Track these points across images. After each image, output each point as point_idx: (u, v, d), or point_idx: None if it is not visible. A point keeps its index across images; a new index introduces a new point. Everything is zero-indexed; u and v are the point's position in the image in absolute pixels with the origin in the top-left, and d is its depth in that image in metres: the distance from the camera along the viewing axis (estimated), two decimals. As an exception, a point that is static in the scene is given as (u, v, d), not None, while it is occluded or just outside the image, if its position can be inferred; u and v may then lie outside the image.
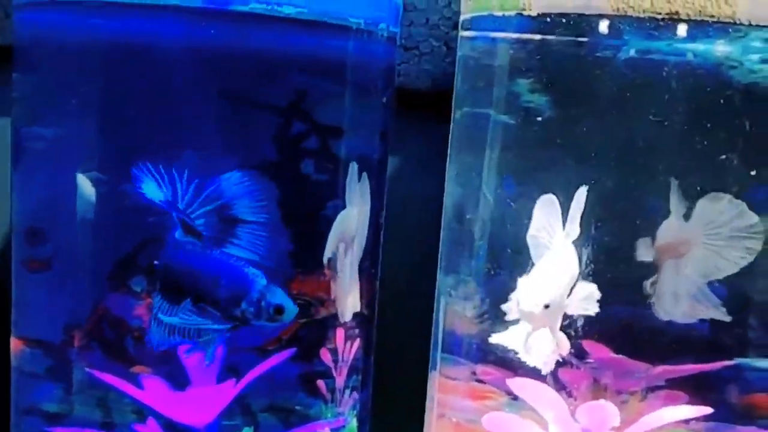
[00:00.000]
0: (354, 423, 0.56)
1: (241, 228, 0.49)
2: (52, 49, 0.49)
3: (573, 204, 0.51)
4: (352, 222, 0.53)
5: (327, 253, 0.52)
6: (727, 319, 0.51)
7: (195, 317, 0.48)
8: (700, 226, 0.51)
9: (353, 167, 0.52)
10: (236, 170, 0.48)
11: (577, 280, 0.51)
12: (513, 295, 0.52)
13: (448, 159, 0.57)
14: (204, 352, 0.49)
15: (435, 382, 0.58)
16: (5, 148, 0.52)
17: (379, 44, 0.53)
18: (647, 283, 0.51)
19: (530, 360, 0.52)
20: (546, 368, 0.52)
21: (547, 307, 0.50)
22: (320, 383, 0.53)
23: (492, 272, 0.54)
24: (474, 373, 0.55)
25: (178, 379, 0.49)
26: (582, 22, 0.50)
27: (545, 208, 0.51)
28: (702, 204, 0.50)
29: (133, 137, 0.49)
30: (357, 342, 0.55)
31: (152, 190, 0.47)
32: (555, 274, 0.51)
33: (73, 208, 0.49)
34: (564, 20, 0.51)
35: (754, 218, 0.50)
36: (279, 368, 0.51)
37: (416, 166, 0.72)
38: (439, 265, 0.58)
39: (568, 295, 0.51)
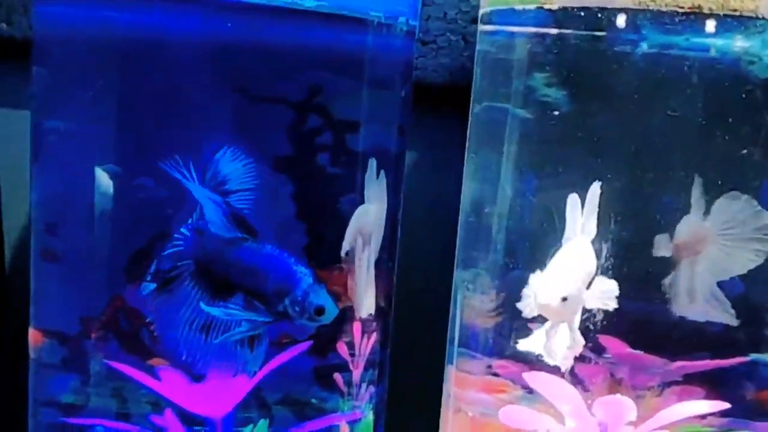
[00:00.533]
0: (370, 416, 0.56)
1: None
2: (71, 42, 0.49)
3: (587, 199, 0.51)
4: (370, 217, 0.53)
5: (345, 247, 0.52)
6: (735, 323, 0.51)
7: (238, 309, 0.49)
8: (716, 225, 0.51)
9: (372, 163, 0.52)
10: (251, 164, 0.48)
11: (595, 275, 0.51)
12: (526, 291, 0.52)
13: (466, 154, 0.57)
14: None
15: (451, 377, 0.58)
16: (25, 140, 0.52)
17: (398, 38, 0.53)
18: (665, 281, 0.51)
19: (550, 360, 0.52)
20: (564, 365, 0.52)
21: (564, 300, 0.50)
22: (337, 377, 0.53)
23: (509, 267, 0.54)
24: (490, 367, 0.55)
25: (195, 372, 0.50)
26: (602, 16, 0.50)
27: (570, 207, 0.51)
28: (720, 203, 0.50)
29: (151, 131, 0.49)
30: (374, 336, 0.55)
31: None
32: (572, 268, 0.51)
33: (90, 200, 0.49)
34: (584, 14, 0.51)
35: None
36: (295, 361, 0.51)
37: (432, 160, 0.73)
38: (456, 260, 0.58)
39: (587, 290, 0.51)
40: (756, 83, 0.49)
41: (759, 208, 0.50)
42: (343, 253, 0.52)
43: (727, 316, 0.51)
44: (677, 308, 0.51)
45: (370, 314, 0.54)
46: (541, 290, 0.51)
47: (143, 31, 0.48)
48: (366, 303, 0.54)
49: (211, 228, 0.49)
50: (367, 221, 0.53)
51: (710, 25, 0.49)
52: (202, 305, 0.49)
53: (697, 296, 0.51)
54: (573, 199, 0.51)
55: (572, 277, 0.51)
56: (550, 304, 0.50)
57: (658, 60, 0.50)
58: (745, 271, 0.51)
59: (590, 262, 0.51)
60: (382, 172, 0.53)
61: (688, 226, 0.51)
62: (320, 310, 0.49)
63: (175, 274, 0.49)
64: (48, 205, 0.52)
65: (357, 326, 0.53)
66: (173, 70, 0.48)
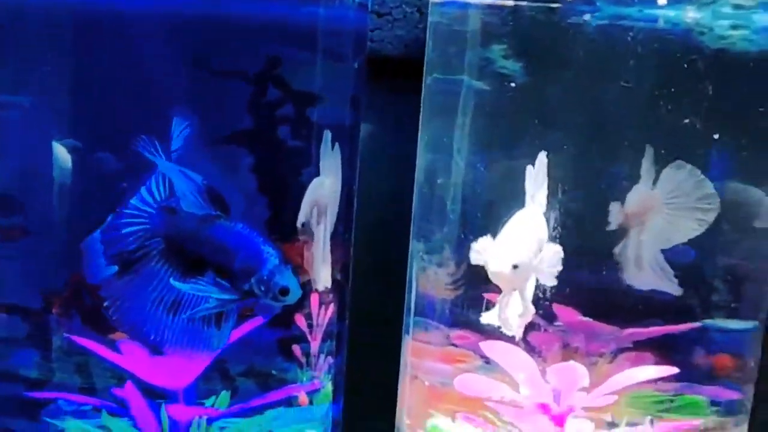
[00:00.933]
0: (329, 387, 0.56)
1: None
2: (23, 16, 0.49)
3: (535, 169, 0.51)
4: (325, 189, 0.53)
5: (300, 219, 0.52)
6: (678, 291, 0.52)
7: (206, 285, 0.49)
8: (663, 195, 0.51)
9: (327, 135, 0.52)
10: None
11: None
12: (475, 246, 0.52)
13: (420, 125, 0.57)
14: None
15: (408, 347, 0.58)
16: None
17: (351, 9, 0.53)
18: (616, 249, 0.52)
19: (505, 329, 0.52)
20: (517, 333, 0.52)
21: (515, 267, 0.50)
22: (295, 348, 0.53)
23: (463, 237, 0.54)
24: (448, 337, 0.56)
25: (155, 345, 0.50)
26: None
27: (527, 177, 0.52)
28: (666, 172, 0.51)
29: (104, 106, 0.49)
30: (331, 307, 0.55)
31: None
32: (523, 236, 0.51)
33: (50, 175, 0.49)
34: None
35: (711, 189, 0.51)
36: (255, 333, 0.51)
37: (388, 132, 0.73)
38: (411, 231, 0.58)
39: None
40: (706, 54, 0.50)
41: (702, 177, 0.51)
42: (299, 225, 0.52)
43: (670, 285, 0.52)
44: (626, 277, 0.52)
45: (327, 286, 0.54)
46: (492, 258, 0.51)
47: (95, 4, 0.48)
48: (323, 275, 0.54)
49: (183, 205, 0.49)
50: (323, 193, 0.53)
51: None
52: (172, 281, 0.49)
53: (644, 265, 0.52)
54: (529, 169, 0.51)
55: (523, 245, 0.51)
56: (501, 271, 0.50)
57: (611, 31, 0.50)
58: (686, 240, 0.52)
59: (541, 231, 0.52)
60: (337, 144, 0.53)
61: (637, 195, 0.51)
62: (285, 291, 0.49)
63: (141, 254, 0.49)
64: (6, 180, 0.51)
65: (314, 298, 0.54)
66: (130, 43, 0.48)
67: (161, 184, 0.49)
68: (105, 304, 0.49)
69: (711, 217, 0.51)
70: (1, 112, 0.50)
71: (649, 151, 0.51)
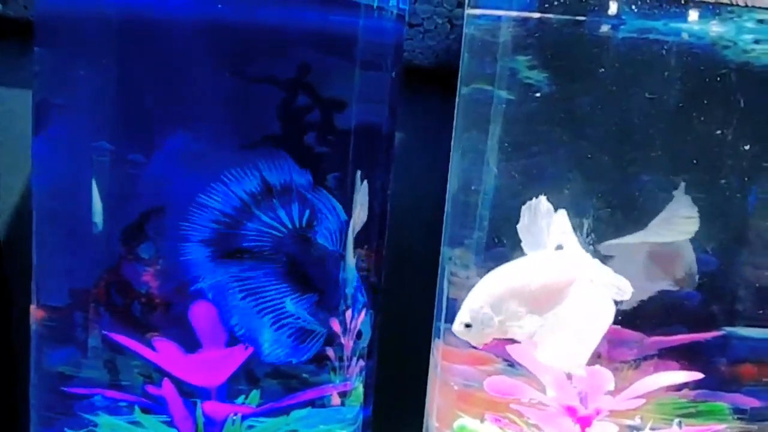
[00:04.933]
0: (360, 389, 0.57)
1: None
2: (72, 22, 0.50)
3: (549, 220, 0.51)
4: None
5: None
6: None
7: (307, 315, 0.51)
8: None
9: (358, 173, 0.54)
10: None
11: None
12: None
13: (453, 134, 0.58)
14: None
15: (439, 350, 0.59)
16: (18, 118, 0.53)
17: (390, 21, 0.55)
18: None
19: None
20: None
21: (468, 326, 0.50)
22: (329, 350, 0.54)
23: (494, 244, 0.55)
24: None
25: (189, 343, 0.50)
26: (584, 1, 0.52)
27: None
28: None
29: (147, 110, 0.50)
30: (365, 310, 0.56)
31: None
32: (491, 290, 0.50)
33: (87, 182, 0.50)
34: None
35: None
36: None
37: (418, 140, 0.73)
38: (443, 237, 0.59)
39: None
40: (731, 67, 0.51)
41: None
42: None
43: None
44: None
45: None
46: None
47: (137, 11, 0.49)
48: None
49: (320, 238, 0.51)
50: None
51: (687, 11, 0.51)
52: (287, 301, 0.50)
53: None
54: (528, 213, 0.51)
55: (483, 301, 0.50)
56: (457, 330, 0.50)
57: (636, 44, 0.51)
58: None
59: (530, 285, 0.50)
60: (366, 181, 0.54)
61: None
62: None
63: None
64: (49, 183, 0.53)
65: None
66: (166, 50, 0.49)
67: (301, 211, 0.51)
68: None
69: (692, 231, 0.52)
70: (47, 116, 0.52)
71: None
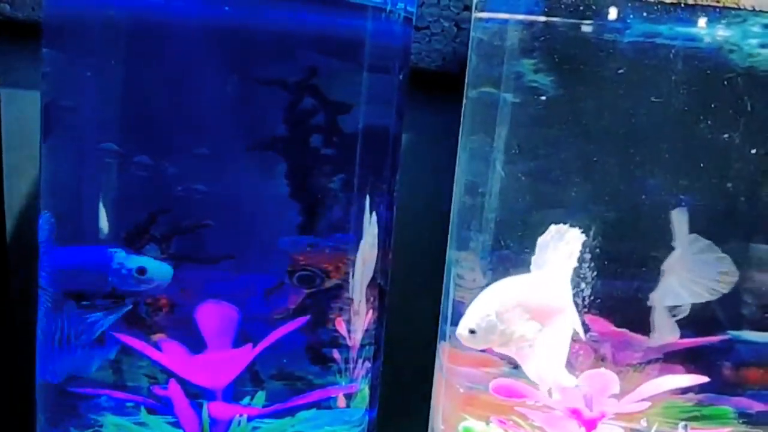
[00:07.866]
0: (366, 390, 0.57)
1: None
2: (80, 24, 0.50)
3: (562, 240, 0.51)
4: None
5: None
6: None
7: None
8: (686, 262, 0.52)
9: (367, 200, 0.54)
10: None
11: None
12: None
13: (460, 136, 0.58)
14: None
15: (444, 352, 0.59)
16: (26, 119, 0.53)
17: (397, 24, 0.55)
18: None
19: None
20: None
21: (472, 332, 0.50)
22: (335, 352, 0.54)
23: (500, 247, 0.55)
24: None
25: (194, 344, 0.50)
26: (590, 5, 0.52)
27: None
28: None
29: (153, 112, 0.50)
30: (371, 313, 0.56)
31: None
32: (497, 299, 0.50)
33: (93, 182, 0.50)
34: (573, 2, 0.52)
35: (731, 265, 0.52)
36: (294, 336, 0.52)
37: (424, 142, 0.73)
38: (449, 239, 0.59)
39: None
40: (736, 71, 0.51)
41: (722, 254, 0.52)
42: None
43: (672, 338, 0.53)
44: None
45: (368, 292, 0.55)
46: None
47: (145, 14, 0.49)
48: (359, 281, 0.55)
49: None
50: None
51: (693, 16, 0.51)
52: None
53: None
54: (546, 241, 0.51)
55: (490, 309, 0.50)
56: (461, 334, 0.50)
57: (642, 48, 0.51)
58: (692, 302, 0.52)
59: (536, 300, 0.51)
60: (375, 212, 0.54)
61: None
62: (142, 270, 0.50)
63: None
64: (57, 184, 0.53)
65: (354, 303, 0.55)
66: (174, 51, 0.49)
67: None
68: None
69: (726, 290, 0.52)
70: (55, 117, 0.52)
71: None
